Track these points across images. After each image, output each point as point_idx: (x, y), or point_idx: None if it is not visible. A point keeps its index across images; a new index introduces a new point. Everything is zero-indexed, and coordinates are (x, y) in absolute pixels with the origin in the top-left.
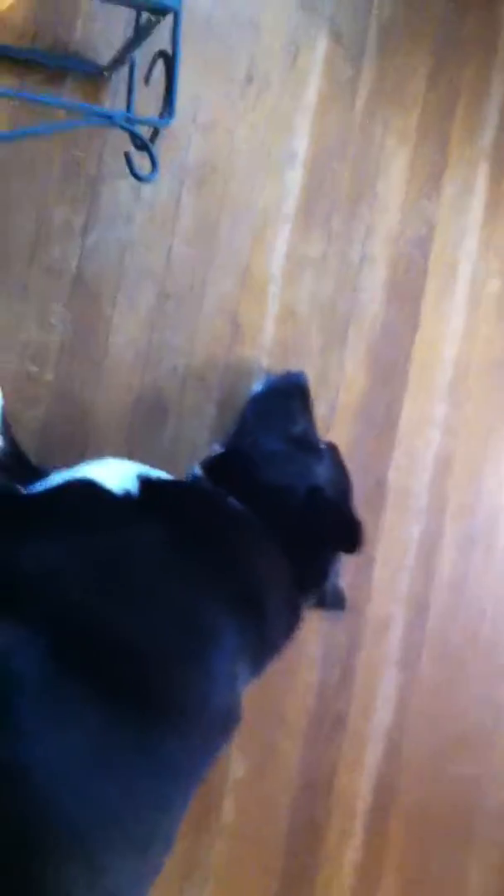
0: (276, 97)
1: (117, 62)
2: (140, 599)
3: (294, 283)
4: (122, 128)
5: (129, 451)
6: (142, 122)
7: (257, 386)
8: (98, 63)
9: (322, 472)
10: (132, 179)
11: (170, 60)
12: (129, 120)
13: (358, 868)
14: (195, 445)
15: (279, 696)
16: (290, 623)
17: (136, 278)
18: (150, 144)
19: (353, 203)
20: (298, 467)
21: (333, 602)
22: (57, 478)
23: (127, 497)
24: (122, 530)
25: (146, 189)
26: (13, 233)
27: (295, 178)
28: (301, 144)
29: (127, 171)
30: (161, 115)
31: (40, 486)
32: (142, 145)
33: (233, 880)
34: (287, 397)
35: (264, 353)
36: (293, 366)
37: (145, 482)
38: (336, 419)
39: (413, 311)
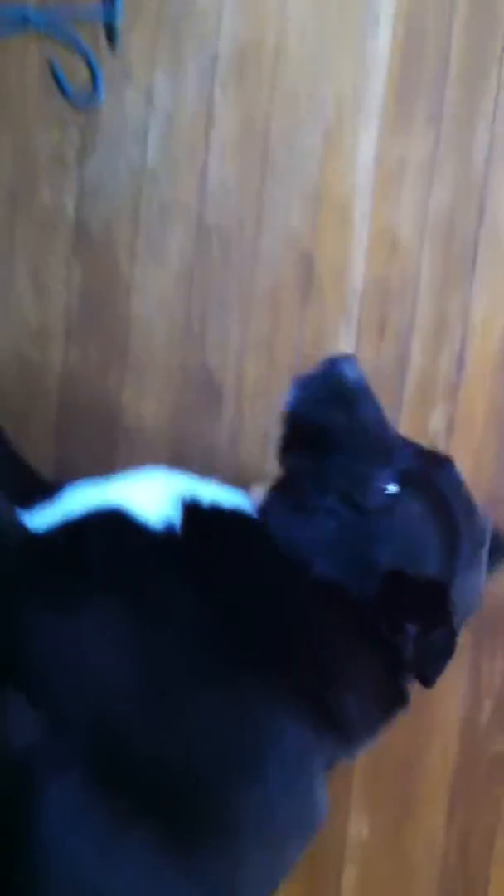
0: None
1: None
2: (180, 699)
3: (390, 198)
4: (45, 32)
5: (173, 456)
6: (73, 17)
7: (287, 398)
8: None
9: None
10: (142, 81)
11: None
12: (51, 20)
13: None
14: (265, 437)
15: (410, 741)
16: (387, 707)
17: (161, 216)
18: (83, 48)
19: (473, 71)
20: (355, 555)
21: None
22: (73, 499)
23: (169, 532)
24: (161, 588)
25: (162, 91)
26: None
27: (381, 48)
28: None
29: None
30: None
31: (51, 511)
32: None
33: None
34: (326, 410)
35: (355, 302)
36: (398, 316)
37: (191, 508)
38: (465, 386)
39: None
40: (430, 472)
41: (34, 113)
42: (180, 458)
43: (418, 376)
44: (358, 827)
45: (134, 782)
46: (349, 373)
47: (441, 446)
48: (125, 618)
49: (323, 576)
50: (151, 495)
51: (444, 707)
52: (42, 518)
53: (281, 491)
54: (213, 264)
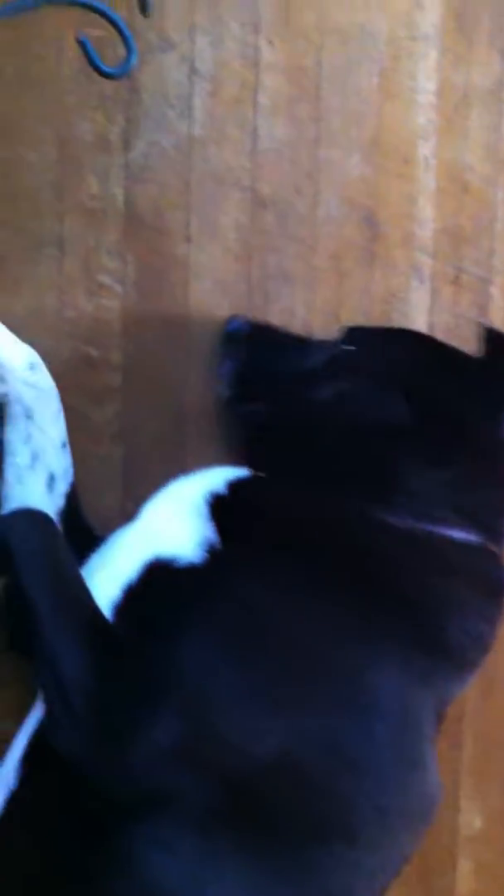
0: None
1: None
2: (278, 700)
3: (457, 134)
4: (67, 3)
5: None
6: None
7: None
8: None
9: None
10: (182, 49)
11: None
12: None
13: None
14: None
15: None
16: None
17: (214, 192)
18: (112, 15)
19: None
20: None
21: None
22: (115, 554)
23: (210, 552)
24: (229, 610)
25: (203, 55)
26: (27, 171)
27: None
28: None
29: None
30: None
31: (100, 569)
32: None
33: None
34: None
35: (426, 255)
36: (474, 265)
37: (217, 504)
38: None
39: None
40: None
41: (74, 99)
42: None
43: (501, 326)
44: (469, 817)
45: (230, 803)
46: (230, 327)
47: None
48: (218, 652)
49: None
50: (176, 525)
51: None
52: (100, 585)
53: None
54: (271, 235)
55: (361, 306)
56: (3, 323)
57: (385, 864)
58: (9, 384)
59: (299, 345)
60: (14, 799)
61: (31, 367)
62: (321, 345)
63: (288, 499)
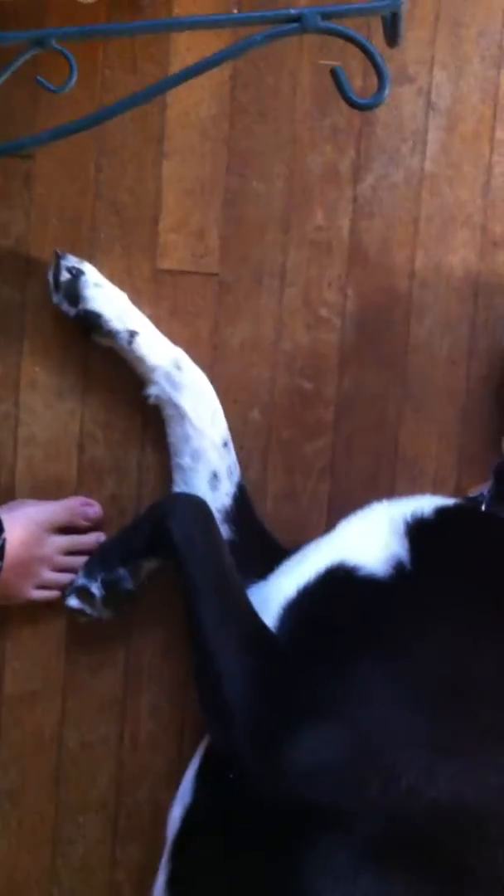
0: None
1: None
2: (467, 746)
3: None
4: (321, 31)
5: (457, 488)
6: (352, 13)
7: None
8: None
9: None
10: (419, 82)
11: None
12: (328, 16)
13: None
14: None
15: None
16: None
17: (442, 228)
18: (369, 46)
19: None
20: None
21: None
22: (300, 563)
23: (398, 570)
24: (407, 633)
25: (442, 90)
26: (255, 201)
27: None
28: None
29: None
30: None
31: (283, 577)
32: (364, 50)
33: None
34: None
35: None
36: None
37: (417, 527)
38: None
39: None
40: None
41: (306, 131)
42: (464, 489)
43: None
44: None
45: (399, 840)
46: None
47: None
48: (391, 675)
49: None
50: (370, 538)
51: None
52: (276, 586)
53: None
54: (500, 276)
55: None
56: (220, 351)
57: None
58: (157, 384)
59: None
60: (190, 814)
61: (177, 366)
62: None
63: (494, 531)
